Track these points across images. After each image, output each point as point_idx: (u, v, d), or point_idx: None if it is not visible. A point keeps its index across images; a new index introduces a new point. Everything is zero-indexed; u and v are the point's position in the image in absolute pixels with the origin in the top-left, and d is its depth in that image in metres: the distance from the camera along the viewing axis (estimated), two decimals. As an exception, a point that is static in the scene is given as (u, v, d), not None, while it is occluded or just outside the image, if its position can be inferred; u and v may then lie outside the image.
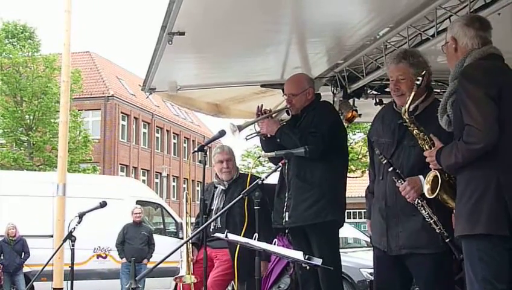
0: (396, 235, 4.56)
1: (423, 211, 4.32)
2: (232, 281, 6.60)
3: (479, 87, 3.74)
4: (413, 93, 4.19)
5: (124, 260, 14.17)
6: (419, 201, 4.39)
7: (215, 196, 6.60)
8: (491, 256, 3.64)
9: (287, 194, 5.77)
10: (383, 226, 4.65)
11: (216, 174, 6.77)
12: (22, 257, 14.38)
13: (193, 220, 7.11)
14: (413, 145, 4.46)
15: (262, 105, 6.04)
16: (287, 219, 5.73)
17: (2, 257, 14.23)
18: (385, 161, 4.47)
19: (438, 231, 4.27)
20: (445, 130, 4.06)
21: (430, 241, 4.45)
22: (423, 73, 4.26)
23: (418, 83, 4.20)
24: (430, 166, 4.12)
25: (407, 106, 4.18)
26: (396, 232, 4.57)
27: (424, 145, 4.16)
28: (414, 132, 4.22)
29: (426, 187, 4.13)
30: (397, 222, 4.57)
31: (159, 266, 4.51)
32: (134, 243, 14.22)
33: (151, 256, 13.99)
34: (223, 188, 6.57)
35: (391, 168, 4.44)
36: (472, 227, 3.66)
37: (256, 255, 4.62)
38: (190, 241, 6.24)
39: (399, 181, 4.41)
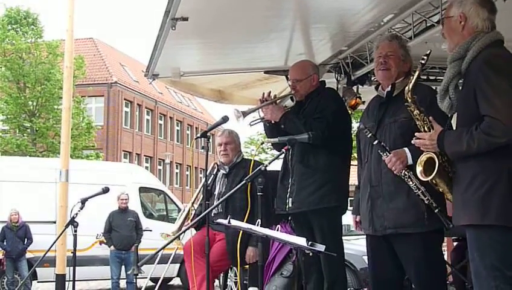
0: (381, 215, 4.59)
1: (410, 183, 4.31)
2: (235, 268, 6.60)
3: (505, 78, 3.65)
4: (417, 73, 4.12)
5: (113, 248, 14.05)
6: (405, 173, 4.42)
7: (217, 180, 6.63)
8: (502, 244, 3.61)
9: (290, 180, 5.77)
10: (369, 208, 4.68)
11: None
12: (25, 242, 14.38)
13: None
14: (393, 122, 4.54)
15: (270, 92, 6.03)
16: (290, 204, 5.73)
17: (4, 243, 14.25)
18: (369, 134, 4.49)
19: (426, 201, 4.27)
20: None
21: (415, 220, 4.46)
22: (428, 52, 4.18)
23: (423, 62, 4.12)
24: (424, 148, 4.03)
25: (410, 85, 4.11)
26: (381, 212, 4.59)
27: (423, 126, 4.09)
28: (414, 112, 4.14)
29: (419, 169, 4.07)
30: (382, 201, 4.59)
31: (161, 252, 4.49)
32: (122, 230, 14.03)
33: (140, 241, 13.86)
34: (224, 172, 6.59)
35: (376, 141, 4.46)
36: (482, 217, 3.63)
37: (255, 240, 4.61)
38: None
39: (384, 154, 4.42)
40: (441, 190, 4.11)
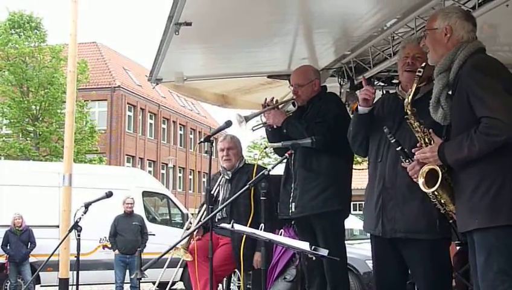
0: (392, 218, 4.55)
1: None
2: (238, 271, 6.61)
3: (495, 79, 3.74)
4: (415, 85, 4.17)
5: (117, 252, 14.09)
6: None
7: (220, 186, 6.61)
8: (509, 247, 3.63)
9: (293, 185, 5.79)
10: (379, 209, 4.63)
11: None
12: (28, 247, 14.41)
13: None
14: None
15: (273, 98, 6.05)
16: (293, 209, 5.75)
17: (8, 247, 14.26)
18: (394, 139, 4.40)
19: (442, 211, 4.23)
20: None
21: (427, 227, 4.45)
22: (423, 65, 4.25)
23: (420, 74, 4.18)
24: (425, 161, 4.06)
25: (410, 97, 4.15)
26: (392, 215, 4.56)
27: (424, 138, 4.13)
28: (414, 124, 4.17)
29: (420, 180, 4.08)
30: (394, 204, 4.56)
31: (164, 257, 4.50)
32: (127, 234, 14.10)
33: (145, 246, 13.88)
34: (227, 177, 6.57)
35: (399, 148, 4.37)
36: (494, 219, 3.64)
37: (262, 245, 4.61)
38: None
39: (406, 161, 4.34)
40: (443, 201, 4.12)
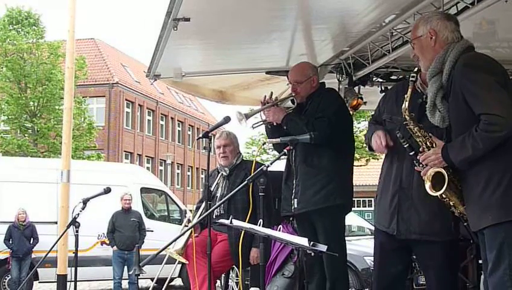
0: (408, 219, 4.52)
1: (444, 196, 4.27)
2: (236, 268, 6.60)
3: (488, 75, 3.74)
4: (409, 92, 4.15)
5: (115, 248, 14.07)
6: None
7: (217, 182, 6.59)
8: None
9: (294, 181, 5.78)
10: (394, 208, 4.59)
11: None
12: (31, 242, 14.38)
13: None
14: (433, 127, 4.35)
15: (271, 93, 6.04)
16: (296, 205, 5.73)
17: (11, 242, 14.21)
18: (407, 144, 4.31)
19: (457, 214, 4.22)
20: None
21: (441, 229, 4.44)
22: (416, 70, 4.26)
23: (413, 79, 4.19)
24: (431, 164, 4.05)
25: (407, 103, 4.13)
26: (407, 216, 4.52)
27: (425, 142, 4.11)
28: (414, 129, 4.15)
29: (427, 184, 4.06)
30: (410, 205, 4.52)
31: (162, 253, 4.48)
32: (125, 230, 14.07)
33: (143, 242, 13.90)
34: (225, 174, 6.55)
35: (412, 153, 4.30)
36: (507, 213, 3.64)
37: (259, 241, 4.61)
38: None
39: (420, 165, 4.25)
40: (452, 203, 4.11)
